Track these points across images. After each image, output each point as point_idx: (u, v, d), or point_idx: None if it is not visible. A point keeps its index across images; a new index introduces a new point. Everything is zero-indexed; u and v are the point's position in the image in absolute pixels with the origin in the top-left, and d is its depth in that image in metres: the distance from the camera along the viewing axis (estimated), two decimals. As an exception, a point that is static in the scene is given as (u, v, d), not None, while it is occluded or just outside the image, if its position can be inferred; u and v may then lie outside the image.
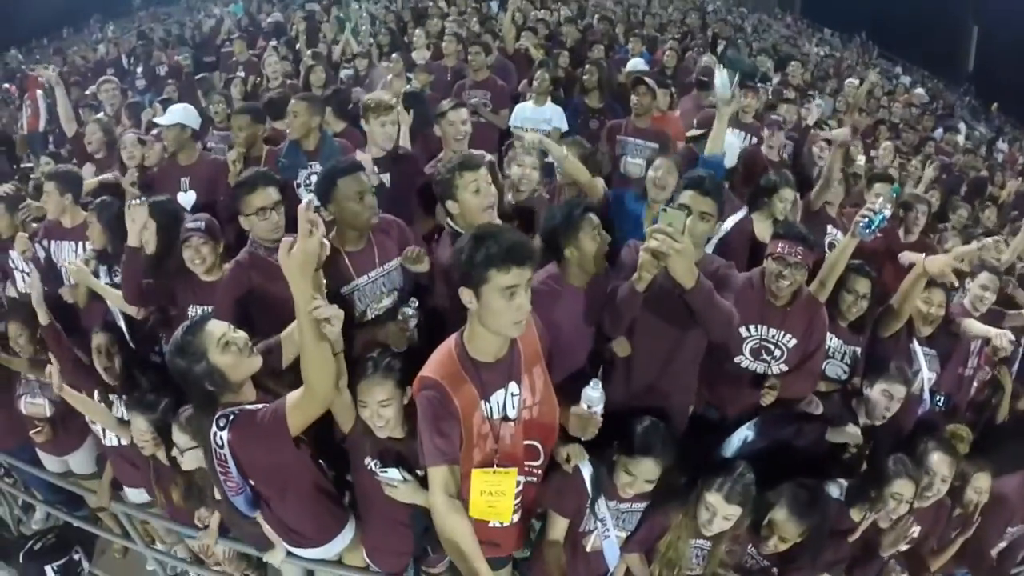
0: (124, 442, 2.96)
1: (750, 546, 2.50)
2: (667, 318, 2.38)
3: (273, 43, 7.34)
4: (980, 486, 2.79)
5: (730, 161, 3.67)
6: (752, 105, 4.98)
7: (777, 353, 2.68)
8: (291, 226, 2.51)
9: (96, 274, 3.27)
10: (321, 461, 2.38)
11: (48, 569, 3.40)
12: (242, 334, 2.05)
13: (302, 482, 2.24)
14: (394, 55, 5.69)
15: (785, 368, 2.68)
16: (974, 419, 3.50)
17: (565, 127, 4.95)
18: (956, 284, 3.12)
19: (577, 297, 2.56)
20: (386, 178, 3.46)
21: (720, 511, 2.25)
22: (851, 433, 2.65)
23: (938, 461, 2.65)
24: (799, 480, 2.39)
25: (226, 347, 1.99)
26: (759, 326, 2.67)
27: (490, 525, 2.04)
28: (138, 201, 2.84)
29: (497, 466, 1.96)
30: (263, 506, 2.27)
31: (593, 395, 2.06)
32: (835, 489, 2.61)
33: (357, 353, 2.39)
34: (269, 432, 1.92)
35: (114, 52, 8.77)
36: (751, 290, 2.69)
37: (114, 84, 5.75)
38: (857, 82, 7.67)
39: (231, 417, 1.98)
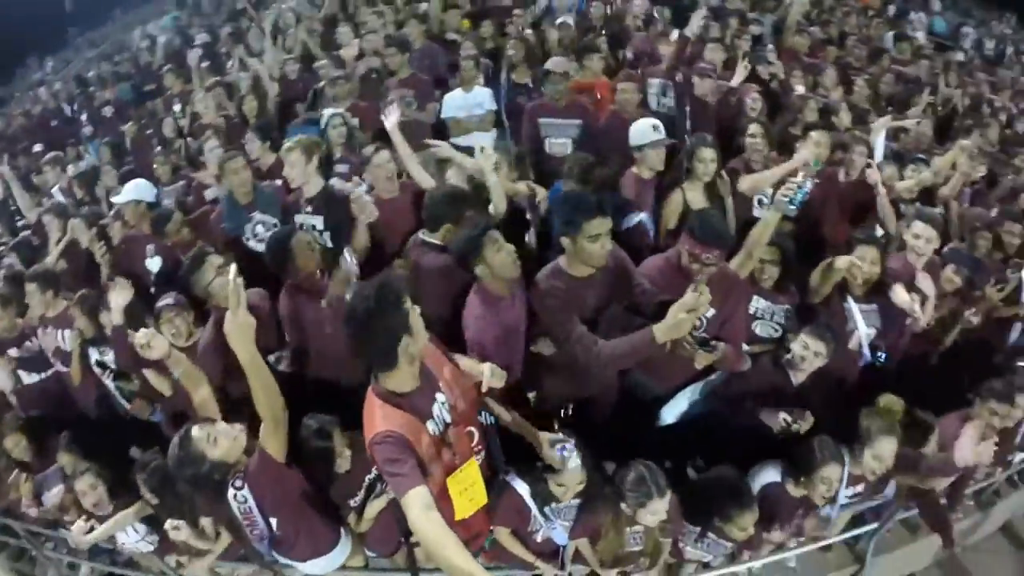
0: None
1: (713, 535, 2.75)
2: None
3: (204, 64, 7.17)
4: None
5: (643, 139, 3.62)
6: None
7: (697, 323, 2.75)
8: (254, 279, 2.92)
9: (86, 356, 3.58)
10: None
11: (98, 617, 3.71)
12: (221, 424, 2.43)
13: (305, 502, 2.60)
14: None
15: (706, 336, 2.79)
16: (927, 348, 3.63)
17: (495, 107, 4.97)
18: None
19: (502, 306, 2.70)
20: (319, 221, 3.55)
21: (659, 513, 2.50)
22: (782, 418, 2.77)
23: (885, 445, 2.74)
24: (719, 479, 2.66)
25: (215, 441, 2.37)
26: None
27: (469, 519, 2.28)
28: (121, 282, 3.18)
29: (459, 464, 2.19)
30: (278, 545, 2.65)
31: (571, 463, 2.39)
32: (773, 472, 2.79)
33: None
34: (263, 465, 2.37)
35: (53, 102, 8.72)
36: (669, 269, 2.78)
37: (55, 163, 5.91)
38: None
39: (240, 476, 2.41)
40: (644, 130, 3.59)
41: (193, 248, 3.27)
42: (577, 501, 2.64)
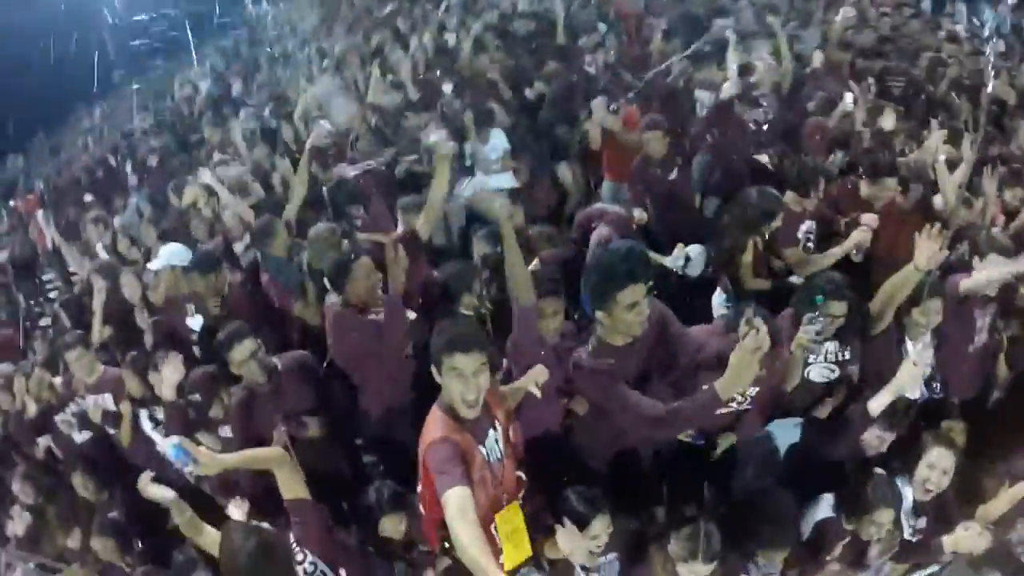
0: None
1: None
2: None
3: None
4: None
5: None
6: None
7: (740, 399, 2.70)
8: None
9: (136, 417, 3.71)
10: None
11: None
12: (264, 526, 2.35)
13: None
14: None
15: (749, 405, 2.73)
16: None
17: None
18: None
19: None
20: None
21: (701, 573, 2.38)
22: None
23: (938, 455, 2.70)
24: (767, 506, 2.58)
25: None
26: None
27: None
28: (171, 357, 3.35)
29: (506, 503, 2.22)
30: None
31: None
32: (827, 507, 2.74)
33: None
34: (300, 510, 2.42)
35: (99, 152, 9.14)
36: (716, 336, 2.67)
37: (97, 222, 6.12)
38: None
39: (295, 546, 2.37)
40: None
41: None
42: (612, 556, 2.56)
